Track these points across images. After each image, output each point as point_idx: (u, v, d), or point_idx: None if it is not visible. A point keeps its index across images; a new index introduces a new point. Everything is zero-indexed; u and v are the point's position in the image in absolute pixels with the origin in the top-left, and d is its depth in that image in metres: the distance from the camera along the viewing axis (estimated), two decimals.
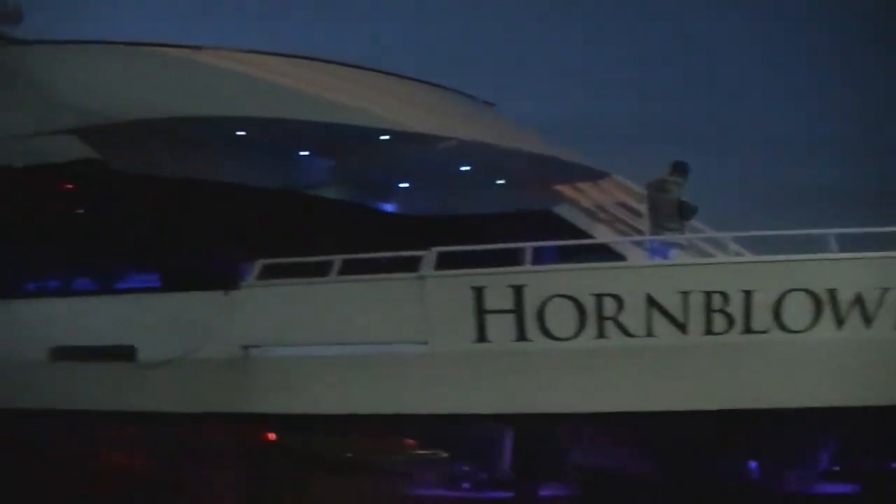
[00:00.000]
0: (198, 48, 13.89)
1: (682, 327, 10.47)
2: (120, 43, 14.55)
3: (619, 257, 12.49)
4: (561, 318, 10.67)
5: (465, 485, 12.65)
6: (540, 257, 11.15)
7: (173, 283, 13.60)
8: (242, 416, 12.52)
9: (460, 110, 14.69)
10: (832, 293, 10.17)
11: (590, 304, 10.60)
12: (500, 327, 10.92)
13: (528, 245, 10.92)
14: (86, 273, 14.60)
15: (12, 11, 18.66)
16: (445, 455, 12.81)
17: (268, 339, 12.23)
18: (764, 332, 10.36)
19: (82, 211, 14.88)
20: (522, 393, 11.05)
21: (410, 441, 13.07)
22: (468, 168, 14.50)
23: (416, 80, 14.81)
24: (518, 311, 10.76)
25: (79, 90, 13.92)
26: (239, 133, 13.49)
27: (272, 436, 12.96)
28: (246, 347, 12.24)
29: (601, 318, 10.61)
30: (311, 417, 12.19)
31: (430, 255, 11.20)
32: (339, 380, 11.81)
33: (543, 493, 12.44)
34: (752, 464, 11.99)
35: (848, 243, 10.47)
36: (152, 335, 12.82)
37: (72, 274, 14.71)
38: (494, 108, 16.40)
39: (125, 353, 12.87)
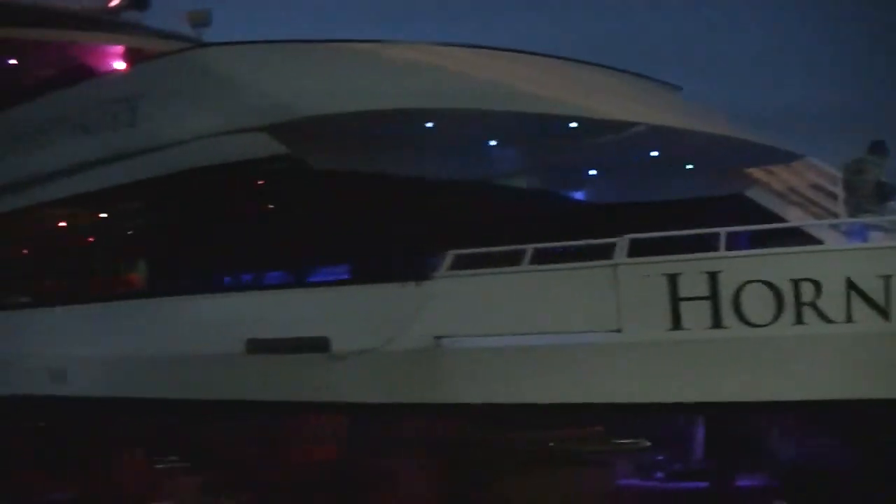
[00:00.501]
0: (384, 42, 14.36)
1: (883, 313, 10.43)
2: (307, 41, 15.20)
3: (814, 241, 12.24)
4: (757, 304, 10.76)
5: (659, 475, 13.01)
6: (734, 243, 11.23)
7: (365, 275, 14.34)
8: (435, 407, 13.03)
9: (648, 95, 14.72)
10: None
11: (787, 289, 10.66)
12: (694, 314, 11.08)
13: (723, 230, 11.02)
14: (279, 267, 15.55)
15: (202, 17, 20.22)
16: (639, 445, 13.22)
17: (459, 329, 12.58)
18: None
19: (274, 207, 15.76)
20: (718, 381, 11.18)
21: (603, 431, 13.54)
22: (657, 153, 14.55)
23: (601, 66, 14.94)
24: (713, 297, 10.91)
25: (268, 88, 14.50)
26: (427, 125, 13.77)
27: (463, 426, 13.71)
28: (438, 338, 12.60)
29: (799, 304, 10.67)
30: (503, 408, 12.57)
31: (622, 243, 11.45)
32: (531, 369, 12.06)
33: (740, 483, 12.69)
34: None
35: None
36: (345, 327, 13.39)
37: (265, 268, 15.67)
38: (681, 91, 16.54)
39: (319, 345, 13.43)
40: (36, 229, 19.21)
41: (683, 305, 11.13)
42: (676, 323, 11.21)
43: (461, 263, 12.65)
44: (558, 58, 14.47)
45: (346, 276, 15.09)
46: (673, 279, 11.14)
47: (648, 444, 13.01)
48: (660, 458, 12.83)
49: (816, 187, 14.97)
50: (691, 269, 11.10)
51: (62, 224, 19.05)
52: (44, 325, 17.81)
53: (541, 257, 12.11)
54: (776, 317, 10.80)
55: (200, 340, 14.83)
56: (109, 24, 22.77)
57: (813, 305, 10.67)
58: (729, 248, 11.07)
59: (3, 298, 19.61)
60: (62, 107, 17.85)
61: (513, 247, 12.32)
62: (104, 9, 24.63)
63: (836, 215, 13.71)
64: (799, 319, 10.76)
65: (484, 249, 12.57)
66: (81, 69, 19.47)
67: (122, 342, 16.11)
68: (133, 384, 15.87)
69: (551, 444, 13.38)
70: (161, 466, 16.78)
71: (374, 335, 13.04)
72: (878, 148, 12.96)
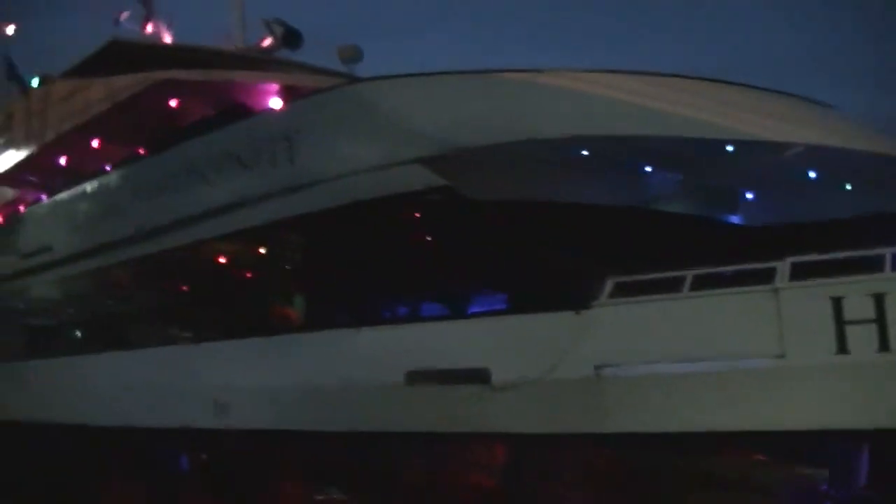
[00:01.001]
0: (538, 71, 14.54)
1: None
2: (462, 72, 15.44)
3: None
4: None
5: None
6: None
7: (523, 304, 14.69)
8: (596, 437, 13.37)
9: (802, 114, 14.73)
10: None
11: None
12: (860, 338, 11.22)
13: (888, 251, 11.12)
14: (437, 299, 16.14)
15: (352, 52, 21.39)
16: (804, 473, 13.33)
17: (620, 357, 12.97)
18: None
19: (431, 238, 16.41)
20: (885, 406, 11.24)
21: (767, 459, 13.73)
22: (815, 173, 14.55)
23: (751, 86, 14.84)
24: (880, 320, 11.05)
25: (425, 120, 15.18)
26: (583, 152, 14.23)
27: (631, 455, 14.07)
28: (598, 367, 13.05)
29: None
30: (666, 436, 12.77)
31: (783, 266, 11.68)
32: (693, 397, 12.35)
33: None
34: None
35: None
36: (505, 357, 13.97)
37: (423, 300, 16.27)
38: (832, 109, 16.60)
39: (479, 376, 14.06)
40: (198, 265, 20.40)
41: (849, 329, 11.29)
42: (842, 347, 11.36)
43: (620, 291, 13.02)
44: (710, 80, 14.64)
45: (504, 307, 15.50)
46: (837, 302, 11.31)
47: (813, 471, 13.10)
48: (825, 487, 12.89)
49: None
50: (857, 292, 11.25)
51: (223, 260, 20.18)
52: (208, 358, 18.93)
53: (701, 283, 12.41)
54: None
55: (360, 372, 15.57)
56: (264, 63, 24.15)
57: None
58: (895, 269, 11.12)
59: (169, 333, 21.06)
60: (222, 145, 19.00)
61: (672, 273, 12.62)
62: (258, 48, 26.21)
63: None
64: None
65: (643, 276, 12.92)
66: (239, 108, 20.75)
67: (283, 375, 16.97)
68: (293, 416, 16.71)
69: (714, 472, 13.55)
70: (321, 498, 17.43)
71: (534, 365, 13.56)
72: None
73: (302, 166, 16.96)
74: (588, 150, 14.27)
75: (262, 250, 19.07)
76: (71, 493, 22.51)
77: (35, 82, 30.22)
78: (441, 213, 15.49)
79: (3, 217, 31.11)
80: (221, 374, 18.43)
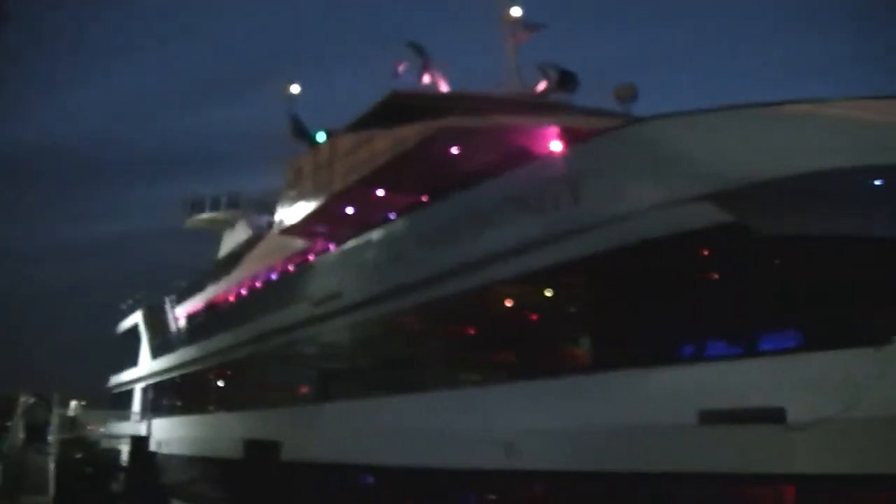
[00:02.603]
0: (821, 101, 14.57)
1: None
2: (742, 105, 15.54)
3: None
4: None
5: None
6: None
7: (818, 341, 14.43)
8: None
9: None
10: None
11: None
12: None
13: None
14: (725, 337, 15.95)
15: (629, 91, 21.75)
16: None
17: None
18: None
19: (719, 275, 16.42)
20: None
21: None
22: None
23: None
24: None
25: (710, 156, 15.39)
26: (876, 182, 14.07)
27: None
28: None
29: None
30: None
31: None
32: None
33: None
34: None
35: None
36: (801, 396, 13.83)
37: (712, 338, 16.08)
38: None
39: (774, 415, 13.94)
40: (484, 309, 21.10)
41: None
42: None
43: None
44: None
45: (793, 344, 15.16)
46: None
47: None
48: None
49: None
50: None
51: (509, 303, 20.87)
52: (496, 400, 19.50)
53: None
54: None
55: (651, 412, 15.76)
56: (542, 107, 24.85)
57: None
58: None
59: (457, 376, 21.92)
60: (505, 190, 19.73)
61: None
62: (534, 92, 27.01)
63: None
64: None
65: None
66: (519, 152, 21.46)
67: (573, 416, 17.30)
68: (584, 457, 16.92)
69: None
70: None
71: (832, 403, 13.40)
72: None
73: (586, 208, 17.44)
74: (882, 180, 14.10)
75: (548, 292, 19.49)
76: None
77: (321, 137, 32.14)
78: (729, 250, 15.58)
79: (295, 266, 33.18)
80: (511, 416, 18.90)
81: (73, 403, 51.19)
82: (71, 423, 48.90)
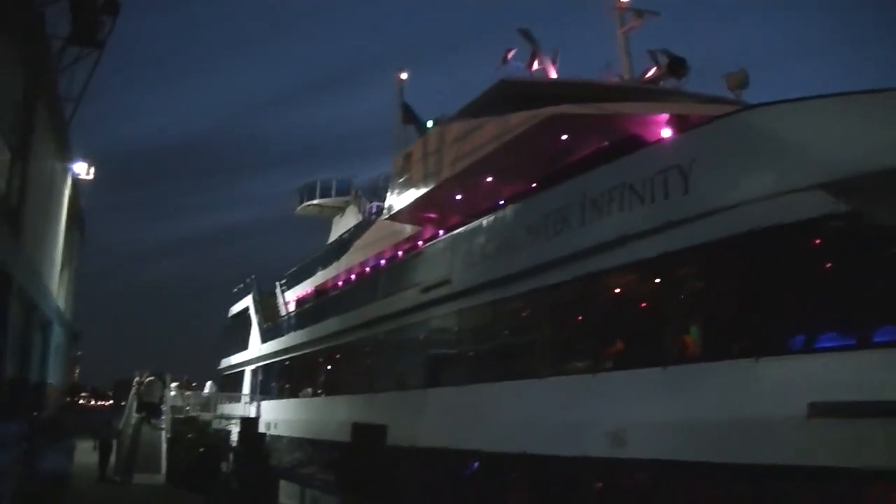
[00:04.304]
0: None
1: None
2: (858, 92, 15.44)
3: None
4: None
5: None
6: None
7: None
8: None
9: None
10: None
11: None
12: None
13: None
14: (839, 328, 15.46)
15: (740, 78, 21.56)
16: None
17: None
18: None
19: (832, 265, 16.02)
20: None
21: None
22: None
23: None
24: None
25: (825, 144, 15.28)
26: None
27: None
28: None
29: None
30: None
31: None
32: None
33: None
34: None
35: None
36: None
37: (822, 330, 15.65)
38: None
39: (887, 409, 13.68)
40: (592, 297, 21.01)
41: None
42: None
43: None
44: None
45: None
46: None
47: None
48: None
49: None
50: None
51: (617, 291, 20.78)
52: (604, 388, 19.50)
53: None
54: None
55: (760, 403, 15.58)
56: (652, 93, 24.73)
57: None
58: None
59: (564, 363, 21.91)
60: (615, 177, 19.69)
61: None
62: (644, 79, 26.90)
63: None
64: None
65: None
66: (629, 139, 21.39)
67: (680, 405, 17.23)
68: (691, 447, 16.78)
69: None
70: None
71: None
72: None
73: (696, 196, 17.34)
74: None
75: (657, 281, 19.32)
76: None
77: (430, 124, 32.46)
78: (842, 240, 15.34)
79: (404, 253, 33.56)
80: (618, 405, 18.91)
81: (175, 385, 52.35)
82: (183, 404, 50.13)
